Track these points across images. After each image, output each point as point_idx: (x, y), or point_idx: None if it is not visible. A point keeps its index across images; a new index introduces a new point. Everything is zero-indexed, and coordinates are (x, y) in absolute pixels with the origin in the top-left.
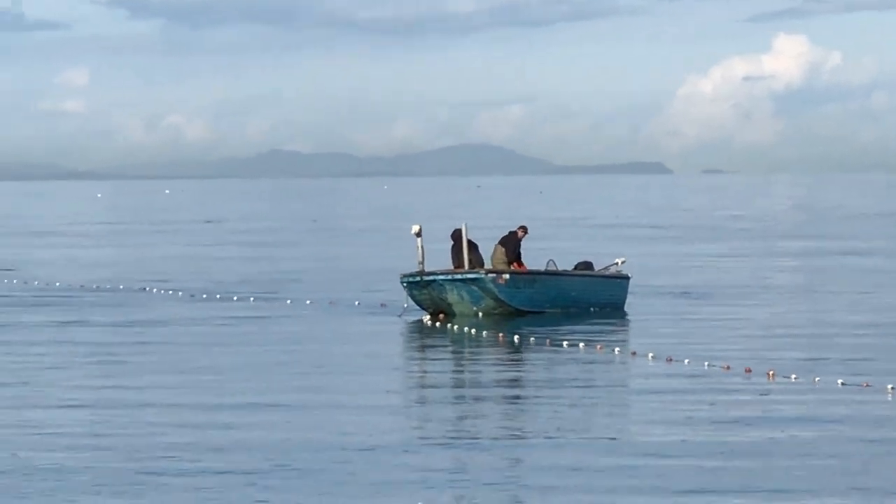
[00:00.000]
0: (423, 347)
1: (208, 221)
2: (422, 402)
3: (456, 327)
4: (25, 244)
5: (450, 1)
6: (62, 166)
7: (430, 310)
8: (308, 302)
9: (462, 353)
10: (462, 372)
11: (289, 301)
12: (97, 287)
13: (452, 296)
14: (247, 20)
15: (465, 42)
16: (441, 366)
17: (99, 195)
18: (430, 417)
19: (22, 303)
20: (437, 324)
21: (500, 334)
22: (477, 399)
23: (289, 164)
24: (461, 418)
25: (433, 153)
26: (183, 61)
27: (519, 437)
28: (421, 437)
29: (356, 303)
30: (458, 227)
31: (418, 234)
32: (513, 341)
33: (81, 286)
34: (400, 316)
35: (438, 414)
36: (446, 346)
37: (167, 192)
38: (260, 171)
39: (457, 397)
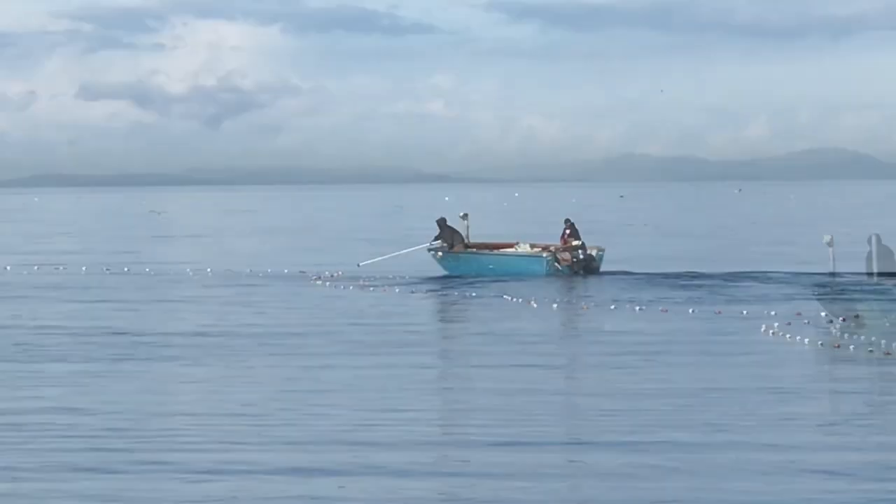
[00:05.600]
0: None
1: None
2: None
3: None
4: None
5: (829, 4)
6: (414, 169)
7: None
8: (691, 311)
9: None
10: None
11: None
12: None
13: (862, 305)
14: (623, 24)
15: (845, 45)
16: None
17: (447, 198)
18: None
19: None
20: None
21: None
22: None
23: (639, 167)
24: None
25: (784, 157)
26: (553, 66)
27: None
28: None
29: (743, 312)
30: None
31: (830, 244)
32: None
33: None
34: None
35: None
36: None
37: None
38: (611, 175)
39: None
